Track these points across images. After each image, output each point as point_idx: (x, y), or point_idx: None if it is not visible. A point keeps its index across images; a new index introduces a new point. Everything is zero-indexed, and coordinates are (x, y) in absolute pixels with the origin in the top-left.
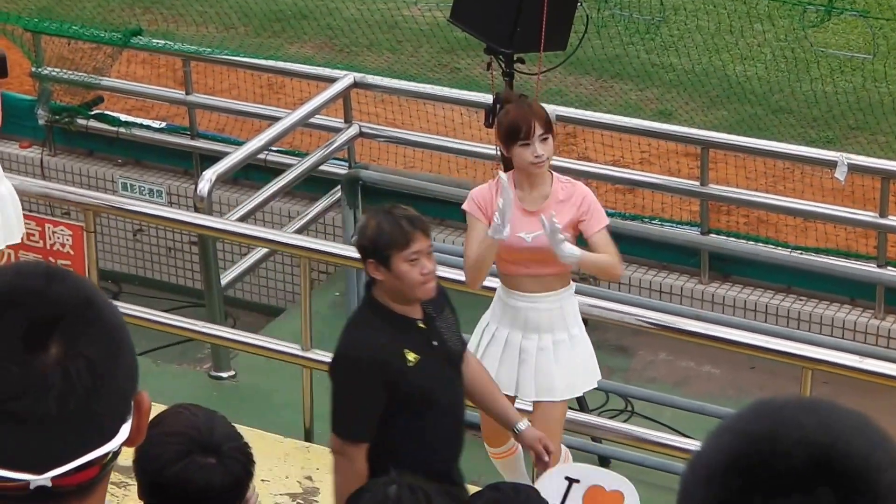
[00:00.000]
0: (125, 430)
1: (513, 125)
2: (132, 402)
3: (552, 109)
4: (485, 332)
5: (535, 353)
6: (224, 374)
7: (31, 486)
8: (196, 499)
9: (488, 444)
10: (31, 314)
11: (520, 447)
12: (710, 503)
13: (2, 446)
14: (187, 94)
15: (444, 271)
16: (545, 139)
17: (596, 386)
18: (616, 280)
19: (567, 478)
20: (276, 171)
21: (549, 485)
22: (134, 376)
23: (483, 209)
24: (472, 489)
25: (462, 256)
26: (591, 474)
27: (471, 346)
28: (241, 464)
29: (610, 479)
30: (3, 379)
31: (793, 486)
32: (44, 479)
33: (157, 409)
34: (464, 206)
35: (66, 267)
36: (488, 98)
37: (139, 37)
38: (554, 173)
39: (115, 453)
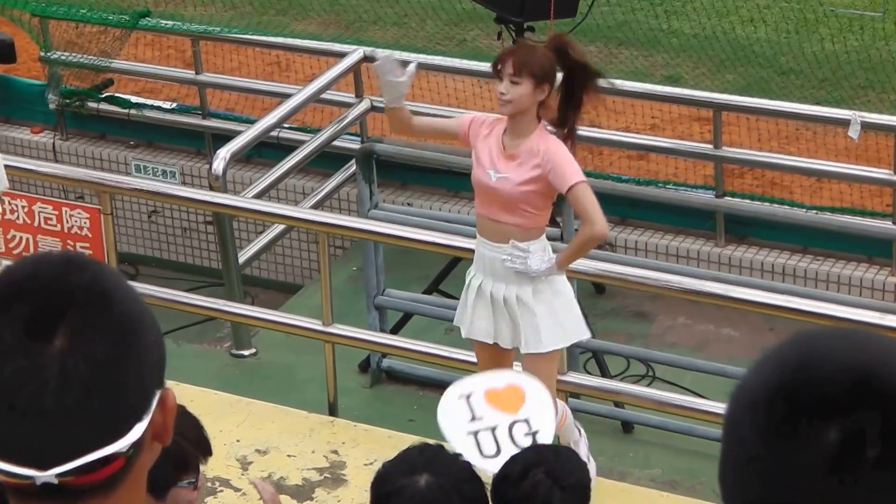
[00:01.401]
0: (139, 429)
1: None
2: (152, 401)
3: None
4: (470, 282)
5: (502, 303)
6: (245, 353)
7: (38, 483)
8: None
9: None
10: (38, 304)
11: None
12: (756, 430)
13: (7, 439)
14: (197, 73)
15: (460, 241)
16: (515, 83)
17: (558, 347)
18: (604, 239)
19: (460, 396)
20: (288, 148)
21: (451, 411)
22: (153, 373)
23: (471, 124)
24: None
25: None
26: (479, 381)
27: (461, 300)
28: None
29: (500, 378)
30: (5, 369)
31: (835, 410)
32: (48, 475)
33: (181, 388)
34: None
35: (85, 252)
36: None
37: (147, 18)
38: (546, 127)
39: (136, 452)
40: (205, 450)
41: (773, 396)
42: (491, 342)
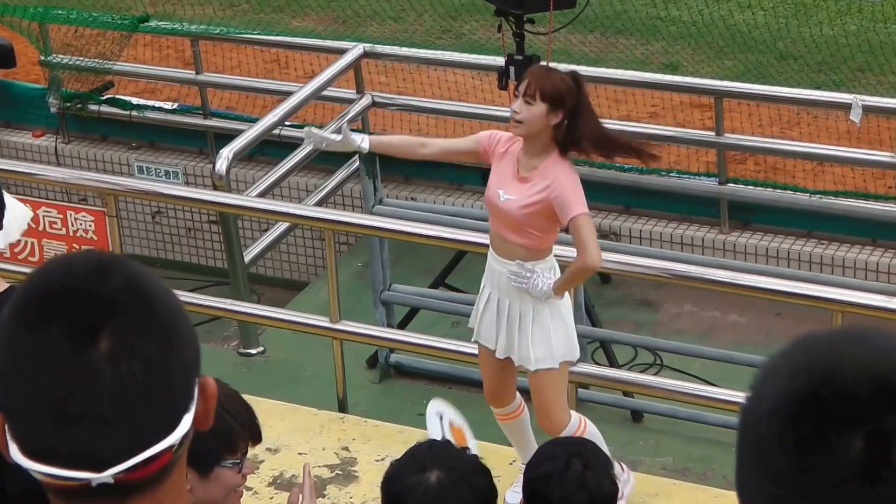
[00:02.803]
0: (187, 421)
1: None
2: (195, 390)
3: (564, 68)
4: (482, 291)
5: (505, 315)
6: (253, 351)
7: (94, 484)
8: None
9: (492, 405)
10: (81, 313)
11: (525, 410)
12: (783, 444)
13: (60, 445)
14: (197, 73)
15: (465, 235)
16: (529, 103)
17: (542, 367)
18: (595, 271)
19: (437, 412)
20: (291, 145)
21: (432, 423)
22: (194, 364)
23: (489, 141)
24: (497, 447)
25: (481, 220)
26: (449, 410)
27: (476, 304)
28: (231, 415)
29: (455, 415)
30: (55, 378)
31: (863, 417)
32: (105, 476)
33: None
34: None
35: (111, 251)
36: (500, 60)
37: (146, 23)
38: (557, 151)
39: (182, 442)
40: (255, 435)
41: (796, 409)
42: (492, 348)
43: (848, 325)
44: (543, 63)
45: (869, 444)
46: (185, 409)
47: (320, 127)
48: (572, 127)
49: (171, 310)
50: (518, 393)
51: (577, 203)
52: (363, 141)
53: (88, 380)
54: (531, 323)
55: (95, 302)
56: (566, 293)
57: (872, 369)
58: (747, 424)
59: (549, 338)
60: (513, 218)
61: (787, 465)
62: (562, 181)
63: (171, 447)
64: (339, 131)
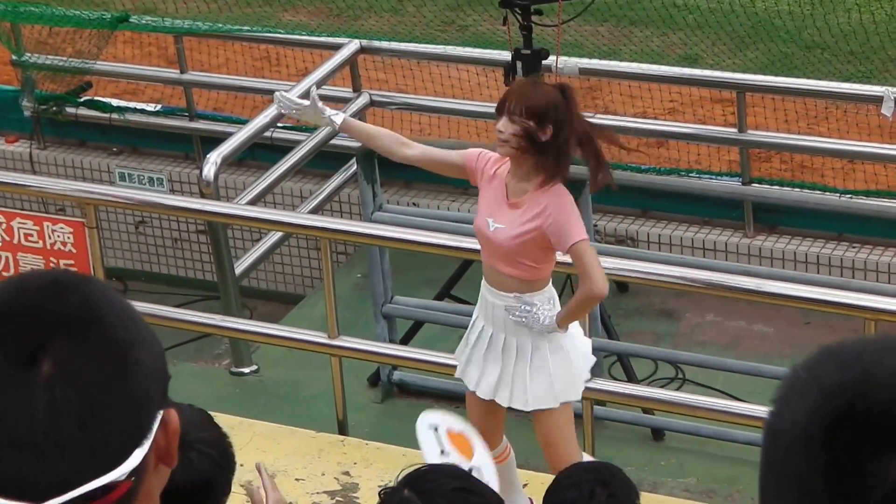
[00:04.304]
0: (138, 455)
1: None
2: (153, 424)
3: (574, 62)
4: (474, 323)
5: (500, 350)
6: (246, 370)
7: None
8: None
9: None
10: (22, 333)
11: (511, 454)
12: (815, 467)
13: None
14: (182, 72)
15: (469, 242)
16: (514, 121)
17: (542, 408)
18: (603, 298)
19: (429, 426)
20: (283, 149)
21: (425, 439)
22: (152, 396)
23: (478, 160)
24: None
25: None
26: (443, 418)
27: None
28: (210, 458)
29: (457, 422)
30: None
31: None
32: None
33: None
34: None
35: (73, 269)
36: (506, 55)
37: (126, 21)
38: (546, 176)
39: (139, 478)
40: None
41: (829, 428)
42: (472, 389)
43: (880, 334)
44: (531, 76)
45: None
46: (137, 444)
47: (312, 129)
48: (561, 145)
49: (127, 335)
50: (504, 436)
51: (574, 229)
52: (336, 115)
53: (22, 405)
54: (530, 359)
55: (39, 323)
56: (568, 330)
57: None
58: (772, 443)
59: (548, 375)
60: (504, 248)
61: (817, 489)
62: (555, 206)
63: (117, 482)
64: (306, 96)
